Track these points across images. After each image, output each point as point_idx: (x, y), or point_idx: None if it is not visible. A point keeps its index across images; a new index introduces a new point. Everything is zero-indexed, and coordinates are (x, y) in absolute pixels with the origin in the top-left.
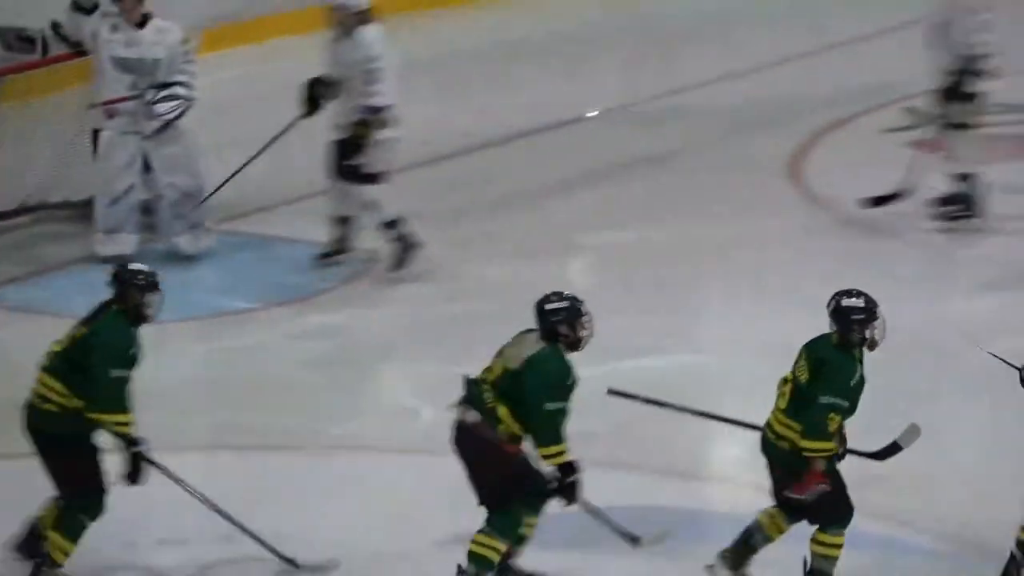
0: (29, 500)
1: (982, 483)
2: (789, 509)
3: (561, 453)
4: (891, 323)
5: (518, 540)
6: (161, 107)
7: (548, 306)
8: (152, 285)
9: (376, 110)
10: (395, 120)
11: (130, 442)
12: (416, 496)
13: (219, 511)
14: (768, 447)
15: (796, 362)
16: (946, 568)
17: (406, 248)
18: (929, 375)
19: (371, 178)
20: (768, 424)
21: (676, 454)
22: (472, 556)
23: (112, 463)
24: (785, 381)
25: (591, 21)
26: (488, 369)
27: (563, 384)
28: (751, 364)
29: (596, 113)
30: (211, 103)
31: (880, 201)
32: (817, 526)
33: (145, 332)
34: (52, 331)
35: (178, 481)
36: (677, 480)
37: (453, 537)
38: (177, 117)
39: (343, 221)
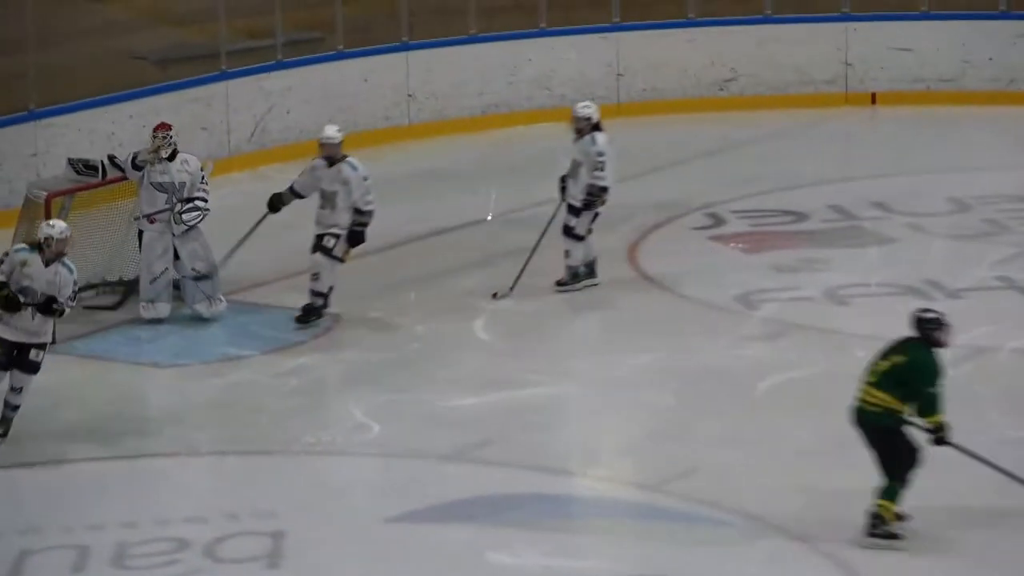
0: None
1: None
2: None
3: None
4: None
5: None
6: (186, 216)
7: None
8: (941, 323)
9: None
10: None
11: (938, 431)
12: (365, 486)
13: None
14: None
15: None
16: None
17: None
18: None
19: None
20: None
21: (550, 456)
22: None
23: None
24: None
25: (481, 156)
26: None
27: None
28: (596, 392)
29: (491, 216)
30: None
31: (302, 319)
32: None
33: (172, 372)
34: (107, 372)
35: (982, 459)
36: (549, 473)
37: (395, 515)
38: (197, 223)
39: None
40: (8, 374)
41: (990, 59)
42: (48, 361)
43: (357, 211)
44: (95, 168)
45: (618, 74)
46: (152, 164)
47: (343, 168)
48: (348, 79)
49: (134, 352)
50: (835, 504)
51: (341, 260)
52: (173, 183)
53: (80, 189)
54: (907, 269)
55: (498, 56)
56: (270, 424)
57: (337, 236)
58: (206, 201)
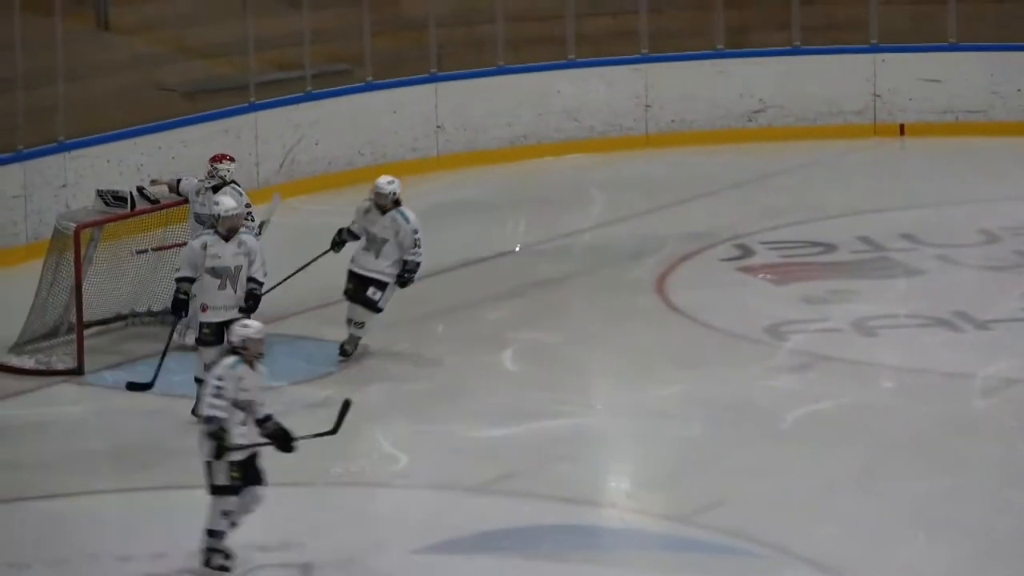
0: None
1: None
2: None
3: None
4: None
5: None
6: None
7: None
8: None
9: None
10: None
11: None
12: (393, 517)
13: None
14: None
15: None
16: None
17: None
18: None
19: None
20: None
21: (578, 487)
22: None
23: None
24: None
25: (510, 187)
26: None
27: None
28: (624, 423)
29: (519, 248)
30: None
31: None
32: None
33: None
34: (136, 402)
35: None
36: (576, 505)
37: (423, 547)
38: None
39: None
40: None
41: (1019, 90)
42: (77, 391)
43: (252, 279)
44: (124, 199)
45: (646, 105)
46: (198, 194)
47: (245, 240)
48: (377, 110)
49: (163, 382)
50: (864, 535)
51: None
52: (211, 215)
53: (109, 220)
54: (936, 300)
55: (527, 87)
56: (299, 455)
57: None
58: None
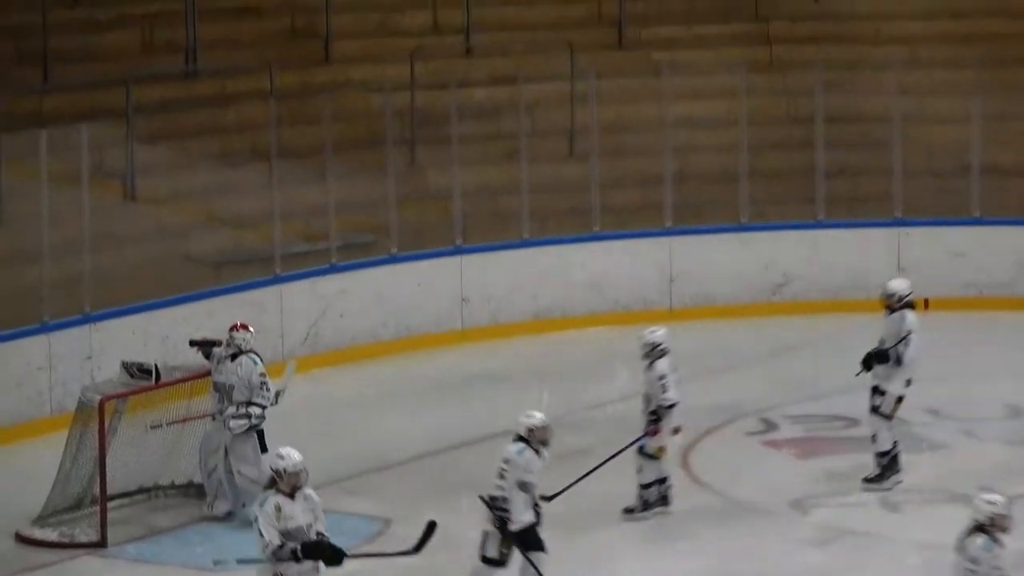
0: None
1: None
2: None
3: None
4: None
5: None
6: (232, 423)
7: None
8: None
9: None
10: None
11: None
12: None
13: None
14: None
15: None
16: None
17: None
18: None
19: None
20: None
21: None
22: None
23: None
24: None
25: (535, 359)
26: None
27: None
28: None
29: None
30: None
31: None
32: None
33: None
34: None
35: None
36: None
37: None
38: (246, 431)
39: None
40: None
41: None
42: (100, 564)
43: (320, 535)
44: (149, 372)
45: (671, 278)
46: (218, 362)
47: (310, 495)
48: (402, 283)
49: (185, 555)
50: None
51: None
52: (225, 384)
53: (133, 392)
54: (960, 475)
55: (551, 260)
56: None
57: None
58: (263, 408)
